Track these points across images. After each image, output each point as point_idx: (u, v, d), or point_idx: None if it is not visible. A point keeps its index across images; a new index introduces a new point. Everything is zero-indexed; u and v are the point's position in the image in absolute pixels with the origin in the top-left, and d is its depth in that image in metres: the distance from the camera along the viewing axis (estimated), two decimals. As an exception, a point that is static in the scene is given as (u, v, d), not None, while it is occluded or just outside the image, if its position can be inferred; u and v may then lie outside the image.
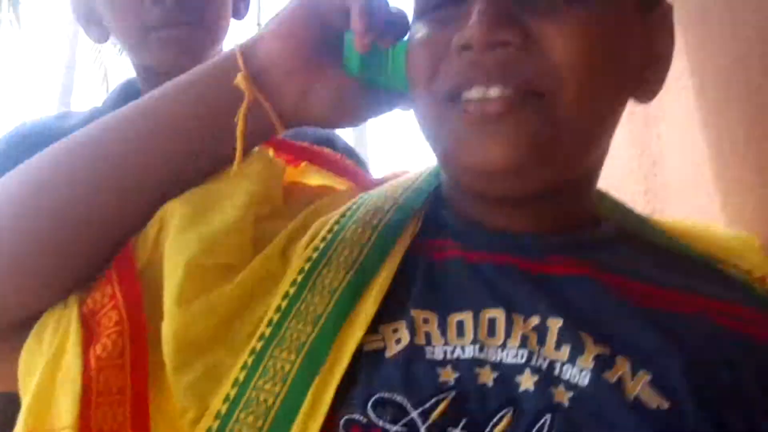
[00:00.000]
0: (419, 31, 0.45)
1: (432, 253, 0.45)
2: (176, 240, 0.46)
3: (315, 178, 0.59)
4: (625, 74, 0.45)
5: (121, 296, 0.46)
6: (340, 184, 0.58)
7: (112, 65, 9.97)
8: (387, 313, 0.42)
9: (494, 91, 0.41)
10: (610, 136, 0.49)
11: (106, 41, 0.94)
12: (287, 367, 0.42)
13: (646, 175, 0.79)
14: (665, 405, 0.38)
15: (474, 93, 0.42)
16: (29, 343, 0.47)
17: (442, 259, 0.45)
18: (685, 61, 0.64)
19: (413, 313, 0.41)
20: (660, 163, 0.76)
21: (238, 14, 0.89)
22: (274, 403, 0.41)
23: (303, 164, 0.58)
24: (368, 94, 0.50)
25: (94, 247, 0.48)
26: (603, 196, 0.52)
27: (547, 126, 0.41)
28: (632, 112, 0.83)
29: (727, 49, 0.58)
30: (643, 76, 0.47)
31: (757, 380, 0.42)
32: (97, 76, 10.05)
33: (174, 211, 0.47)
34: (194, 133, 0.49)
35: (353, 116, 0.51)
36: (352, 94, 0.49)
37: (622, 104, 0.47)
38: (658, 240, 0.50)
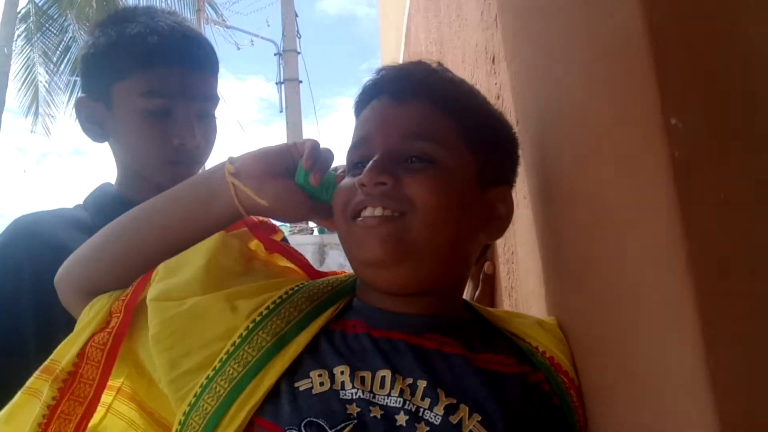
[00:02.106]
0: (344, 181, 0.73)
1: (348, 328, 0.70)
2: (152, 287, 0.75)
3: (282, 262, 0.84)
4: (466, 218, 0.70)
5: (123, 313, 0.75)
6: (297, 270, 0.83)
7: (43, 82, 9.93)
8: (316, 363, 0.66)
9: (378, 211, 0.68)
10: (463, 259, 0.74)
11: (102, 143, 1.07)
12: (221, 390, 0.66)
13: (508, 259, 1.03)
14: None
15: (367, 212, 0.68)
16: (86, 308, 0.78)
17: (355, 332, 0.70)
18: (527, 188, 0.89)
19: (334, 369, 0.65)
20: (516, 252, 0.98)
21: None
22: (210, 410, 0.65)
23: (275, 254, 0.83)
24: (309, 201, 0.76)
25: (132, 269, 0.78)
26: (464, 300, 0.79)
27: (405, 235, 0.67)
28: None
29: (552, 181, 0.80)
30: (488, 226, 0.74)
31: (542, 410, 0.66)
32: (29, 93, 9.96)
33: (159, 270, 0.75)
34: (189, 213, 0.78)
35: (294, 213, 0.78)
36: (295, 196, 0.76)
37: (470, 239, 0.73)
38: (485, 320, 0.76)
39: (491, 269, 1.13)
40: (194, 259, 0.75)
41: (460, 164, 0.71)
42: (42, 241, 0.98)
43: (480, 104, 0.78)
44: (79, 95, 1.07)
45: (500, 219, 0.75)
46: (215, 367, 0.67)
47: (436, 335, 0.69)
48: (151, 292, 0.74)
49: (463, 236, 0.71)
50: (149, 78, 0.99)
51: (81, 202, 1.10)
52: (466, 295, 1.14)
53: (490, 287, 1.14)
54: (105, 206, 1.06)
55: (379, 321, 0.70)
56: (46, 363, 0.76)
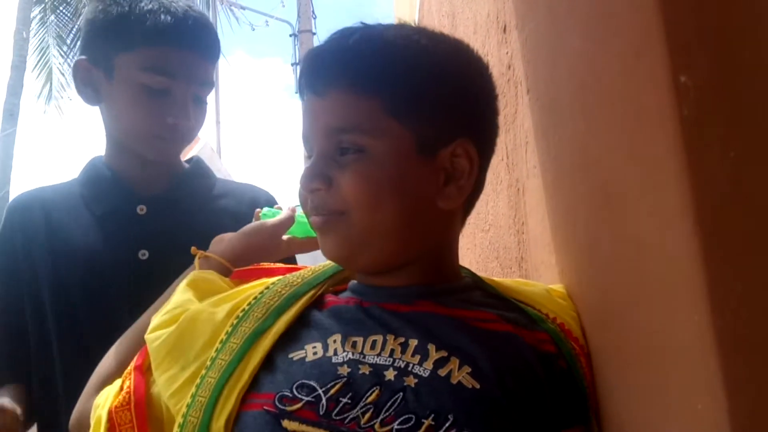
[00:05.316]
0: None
1: (340, 303, 0.73)
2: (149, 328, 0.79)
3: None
4: (408, 194, 0.69)
5: (134, 373, 0.77)
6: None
7: (57, 65, 10.00)
8: (310, 336, 0.69)
9: (317, 218, 0.71)
10: (424, 230, 0.72)
11: (95, 105, 1.09)
12: (212, 381, 0.68)
13: (519, 230, 1.02)
14: (477, 386, 0.61)
15: (312, 215, 0.72)
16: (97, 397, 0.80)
17: (348, 304, 0.72)
18: (537, 158, 0.88)
19: (327, 339, 0.67)
20: (527, 223, 0.98)
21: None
22: (204, 402, 0.67)
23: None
24: (289, 240, 0.88)
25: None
26: (462, 267, 0.79)
27: (351, 231, 0.69)
28: (510, 185, 1.09)
29: (560, 151, 0.80)
30: (446, 189, 0.70)
31: (540, 369, 0.65)
32: (42, 75, 10.02)
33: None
34: None
35: (280, 254, 0.91)
36: (276, 241, 0.89)
37: (423, 210, 0.70)
38: (491, 290, 0.76)
39: None
40: (177, 290, 0.81)
41: (392, 144, 0.68)
42: (36, 218, 1.07)
43: (411, 67, 0.69)
44: (78, 57, 1.08)
45: (461, 177, 0.71)
46: (207, 365, 0.70)
47: (428, 302, 0.70)
48: (147, 331, 0.78)
49: (412, 212, 0.70)
50: (155, 54, 1.01)
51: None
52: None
53: None
54: (92, 178, 1.13)
55: (372, 295, 0.73)
56: None
